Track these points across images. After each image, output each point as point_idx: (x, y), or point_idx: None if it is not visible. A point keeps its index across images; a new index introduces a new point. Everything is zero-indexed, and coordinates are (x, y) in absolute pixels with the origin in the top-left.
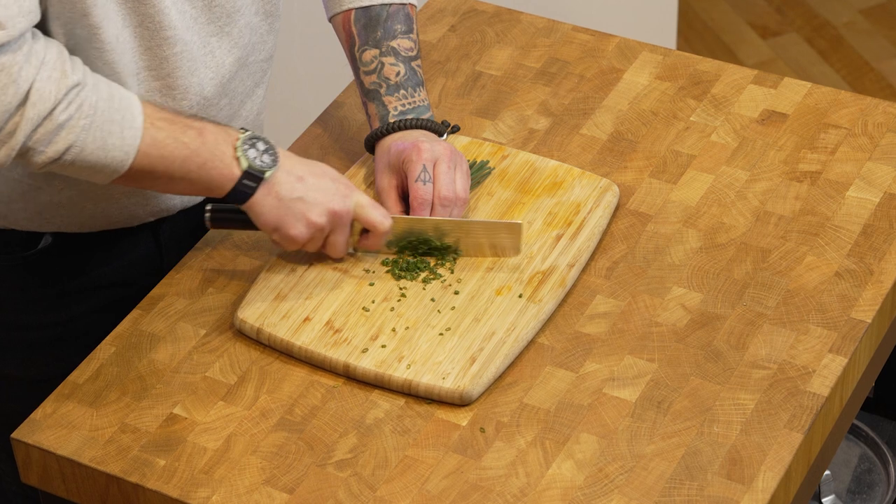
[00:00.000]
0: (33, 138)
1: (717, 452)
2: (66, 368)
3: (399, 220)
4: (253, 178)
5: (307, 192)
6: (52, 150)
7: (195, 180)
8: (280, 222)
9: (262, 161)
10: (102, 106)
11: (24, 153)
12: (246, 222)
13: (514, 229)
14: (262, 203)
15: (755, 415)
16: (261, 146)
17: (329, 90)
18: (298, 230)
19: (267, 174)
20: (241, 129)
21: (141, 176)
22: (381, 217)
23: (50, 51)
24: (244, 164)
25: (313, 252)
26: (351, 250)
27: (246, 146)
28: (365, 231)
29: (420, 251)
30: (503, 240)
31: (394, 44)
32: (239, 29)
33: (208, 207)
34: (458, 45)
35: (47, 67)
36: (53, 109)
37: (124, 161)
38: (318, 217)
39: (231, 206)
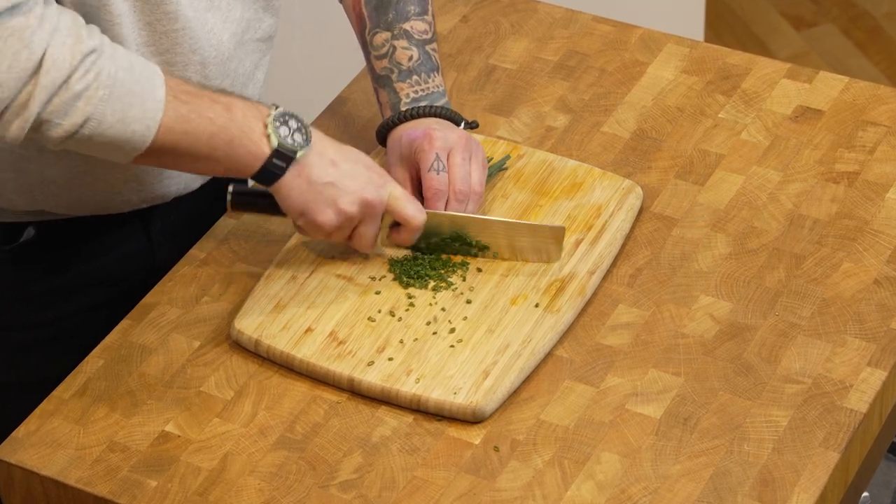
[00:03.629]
0: (48, 109)
1: (747, 473)
2: (56, 371)
3: (434, 217)
4: (283, 158)
5: (340, 177)
6: (68, 123)
7: (221, 159)
8: (308, 207)
9: (293, 140)
10: (122, 76)
11: (39, 126)
12: (270, 206)
13: (557, 233)
14: (290, 185)
15: (788, 432)
16: (293, 124)
17: (332, 85)
18: (327, 217)
19: (299, 154)
20: (273, 104)
21: (163, 153)
22: (416, 211)
23: (64, 17)
24: (274, 143)
25: (339, 242)
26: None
27: (277, 123)
28: (396, 224)
29: (451, 250)
30: (543, 244)
31: (406, 26)
32: (228, 1)
33: (231, 189)
34: (470, 37)
35: (61, 33)
36: (69, 77)
37: (146, 136)
38: (350, 205)
39: (256, 189)
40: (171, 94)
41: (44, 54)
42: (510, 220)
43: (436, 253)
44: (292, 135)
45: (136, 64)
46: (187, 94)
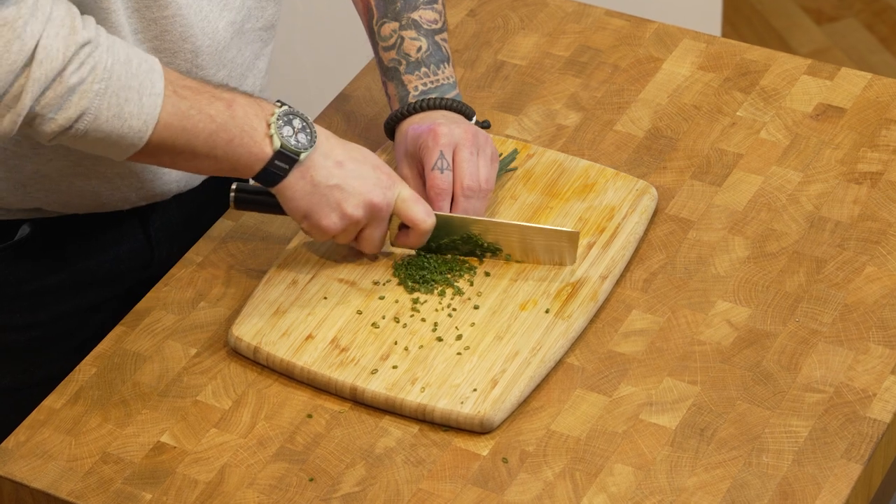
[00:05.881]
0: (41, 102)
1: (766, 485)
2: (52, 374)
3: (444, 219)
4: (286, 160)
5: (345, 179)
6: (62, 118)
7: (221, 158)
8: (312, 210)
9: (297, 141)
10: (119, 70)
11: (32, 120)
12: (274, 206)
13: (571, 238)
14: (294, 187)
15: (809, 443)
16: (297, 124)
17: (335, 81)
18: (331, 221)
19: (302, 156)
20: (278, 101)
21: (161, 150)
22: (425, 214)
23: (58, 7)
24: (277, 144)
25: (344, 244)
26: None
27: (281, 122)
28: (404, 226)
29: (461, 251)
30: (557, 246)
31: (415, 16)
32: None
33: (234, 186)
34: (477, 32)
35: (55, 24)
36: (63, 70)
37: (143, 132)
38: (355, 209)
39: (259, 188)
40: (170, 89)
41: (36, 45)
42: (523, 223)
43: (446, 254)
44: (296, 135)
45: (133, 57)
46: (187, 90)
